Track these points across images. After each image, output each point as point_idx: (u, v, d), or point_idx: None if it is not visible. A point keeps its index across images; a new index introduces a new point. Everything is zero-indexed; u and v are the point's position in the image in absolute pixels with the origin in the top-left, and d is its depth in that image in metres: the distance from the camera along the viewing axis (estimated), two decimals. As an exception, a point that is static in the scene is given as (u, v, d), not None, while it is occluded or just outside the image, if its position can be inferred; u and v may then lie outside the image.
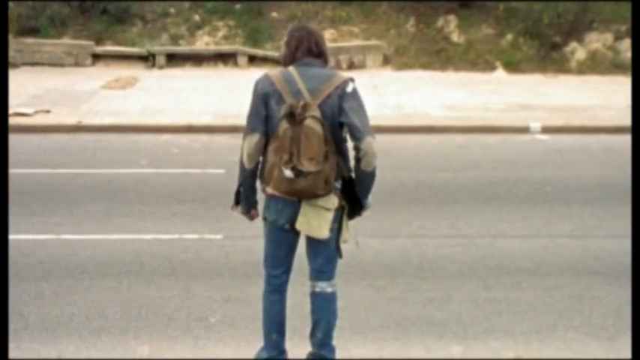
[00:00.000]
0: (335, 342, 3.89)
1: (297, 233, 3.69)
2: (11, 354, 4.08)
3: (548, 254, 5.74)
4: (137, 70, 13.90)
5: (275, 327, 3.83)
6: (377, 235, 5.98)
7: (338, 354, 3.92)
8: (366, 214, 3.81)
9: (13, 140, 7.81)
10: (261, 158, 3.63)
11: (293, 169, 3.38)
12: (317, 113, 3.40)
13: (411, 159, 8.69)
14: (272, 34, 14.85)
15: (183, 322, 4.56)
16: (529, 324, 4.60)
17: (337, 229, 3.67)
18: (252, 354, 4.00)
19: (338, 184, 3.59)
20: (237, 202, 3.81)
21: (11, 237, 4.88)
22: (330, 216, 3.55)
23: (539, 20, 14.57)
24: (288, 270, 3.82)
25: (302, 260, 3.83)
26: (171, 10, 15.35)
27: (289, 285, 3.88)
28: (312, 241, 3.69)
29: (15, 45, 13.98)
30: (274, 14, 15.29)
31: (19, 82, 12.04)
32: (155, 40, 14.65)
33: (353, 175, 3.62)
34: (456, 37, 14.91)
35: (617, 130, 9.92)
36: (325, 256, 3.73)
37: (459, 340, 4.38)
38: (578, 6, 14.63)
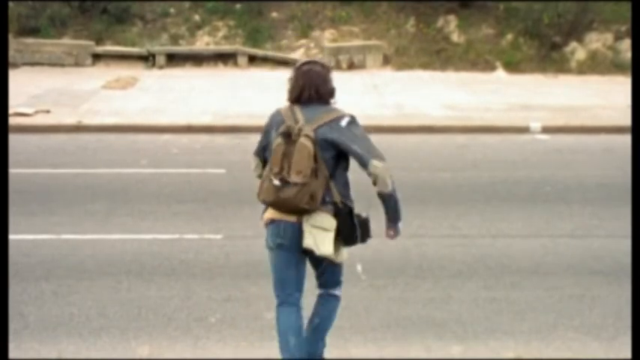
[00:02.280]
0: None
1: (301, 253, 3.67)
2: (11, 354, 4.08)
3: (548, 254, 5.75)
4: (137, 70, 13.89)
5: (294, 332, 3.72)
6: (377, 235, 5.94)
7: (338, 354, 3.93)
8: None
9: (13, 140, 7.79)
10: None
11: (281, 180, 3.49)
12: (311, 134, 3.52)
13: (411, 159, 8.68)
14: (272, 34, 14.85)
15: (183, 322, 4.57)
16: (529, 324, 4.61)
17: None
18: (252, 354, 4.00)
19: (330, 206, 3.61)
20: None
21: (11, 237, 4.88)
22: (331, 236, 3.61)
23: (539, 20, 14.57)
24: (299, 289, 3.76)
25: (302, 260, 3.83)
26: (171, 10, 15.35)
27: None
28: (315, 262, 3.74)
29: (15, 45, 13.98)
30: (274, 14, 15.29)
31: (19, 82, 12.03)
32: (155, 40, 14.65)
33: (347, 202, 3.64)
34: (456, 37, 14.91)
35: (617, 130, 9.92)
36: (330, 272, 3.81)
37: (459, 340, 4.39)
38: (578, 6, 14.62)
